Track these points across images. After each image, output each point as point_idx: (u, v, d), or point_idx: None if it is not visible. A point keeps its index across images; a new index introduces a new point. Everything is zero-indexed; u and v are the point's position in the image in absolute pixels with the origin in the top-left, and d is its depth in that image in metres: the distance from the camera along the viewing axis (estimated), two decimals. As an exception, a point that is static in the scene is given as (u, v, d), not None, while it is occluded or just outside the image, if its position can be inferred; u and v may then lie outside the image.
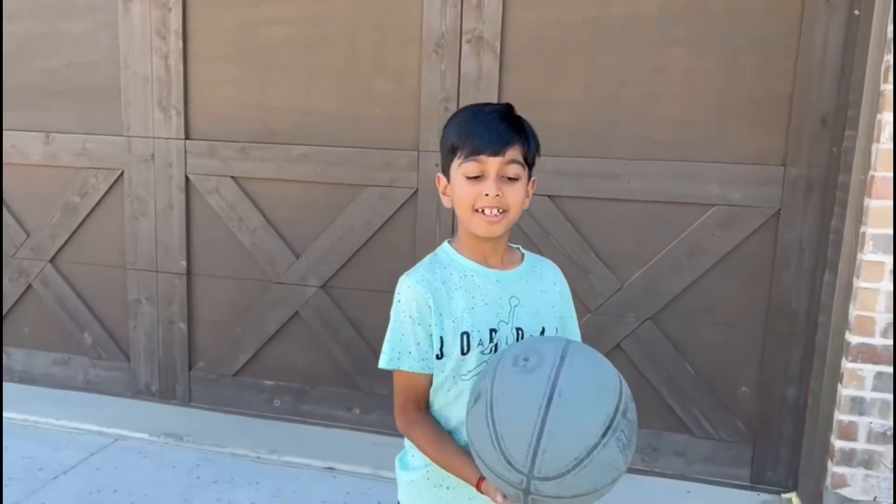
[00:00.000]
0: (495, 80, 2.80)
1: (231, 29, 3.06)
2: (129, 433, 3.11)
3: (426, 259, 1.38)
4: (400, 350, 1.33)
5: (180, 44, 3.10)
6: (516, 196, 1.30)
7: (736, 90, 2.62)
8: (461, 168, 1.30)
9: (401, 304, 1.33)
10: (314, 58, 2.99)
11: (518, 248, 1.46)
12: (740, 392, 2.77)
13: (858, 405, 2.38)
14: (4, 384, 3.56)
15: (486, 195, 1.27)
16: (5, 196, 3.47)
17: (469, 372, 1.32)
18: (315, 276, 3.12)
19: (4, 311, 3.56)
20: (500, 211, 1.29)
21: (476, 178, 1.29)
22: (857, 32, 2.43)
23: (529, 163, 1.33)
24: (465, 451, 1.27)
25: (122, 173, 3.27)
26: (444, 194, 1.38)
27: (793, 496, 2.70)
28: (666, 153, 2.70)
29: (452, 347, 1.30)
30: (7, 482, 2.71)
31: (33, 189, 3.42)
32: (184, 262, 3.25)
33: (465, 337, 1.30)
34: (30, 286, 3.50)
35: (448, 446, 1.31)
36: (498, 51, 2.78)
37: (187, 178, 3.19)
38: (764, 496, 2.73)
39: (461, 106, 2.81)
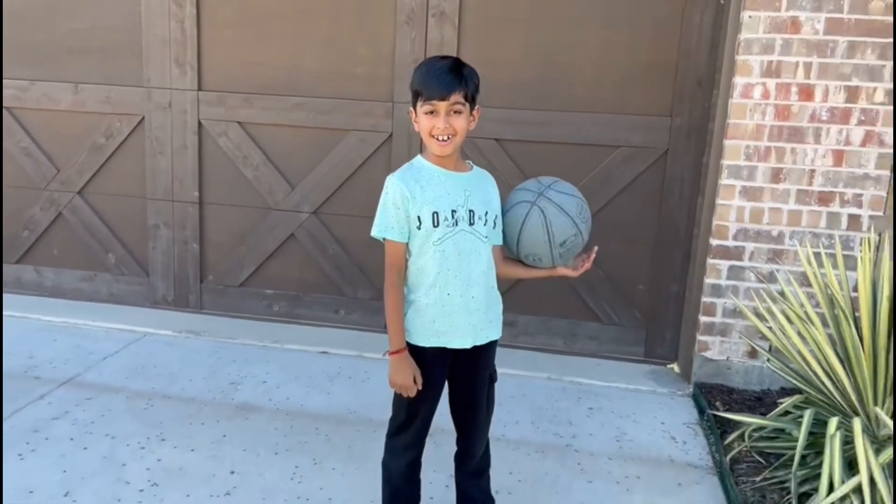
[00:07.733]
0: (454, 46, 3.56)
1: (235, 0, 3.73)
2: (154, 330, 3.82)
3: (405, 165, 1.96)
4: (387, 225, 1.91)
5: (194, 11, 3.76)
6: (460, 124, 1.87)
7: (636, 59, 3.45)
8: (421, 108, 1.88)
9: (388, 194, 1.91)
10: (305, 27, 3.69)
11: (468, 162, 2.13)
12: (638, 289, 3.66)
13: (717, 290, 3.28)
14: (36, 297, 4.20)
15: (438, 127, 1.86)
16: (36, 136, 4.08)
17: (439, 239, 1.90)
18: (307, 204, 3.86)
19: (35, 238, 4.18)
20: (449, 136, 1.87)
21: (431, 113, 1.86)
22: (722, 17, 3.28)
23: (470, 100, 1.95)
24: (402, 324, 1.94)
25: (143, 118, 3.92)
26: (414, 121, 1.94)
27: (674, 365, 3.62)
28: (585, 106, 3.52)
29: (427, 222, 1.88)
30: (65, 362, 3.40)
31: (63, 132, 4.04)
32: (196, 193, 3.94)
33: (435, 215, 1.89)
34: (59, 214, 4.13)
35: (399, 316, 1.93)
36: (456, 23, 3.54)
37: (200, 123, 3.87)
38: (653, 367, 3.64)
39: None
